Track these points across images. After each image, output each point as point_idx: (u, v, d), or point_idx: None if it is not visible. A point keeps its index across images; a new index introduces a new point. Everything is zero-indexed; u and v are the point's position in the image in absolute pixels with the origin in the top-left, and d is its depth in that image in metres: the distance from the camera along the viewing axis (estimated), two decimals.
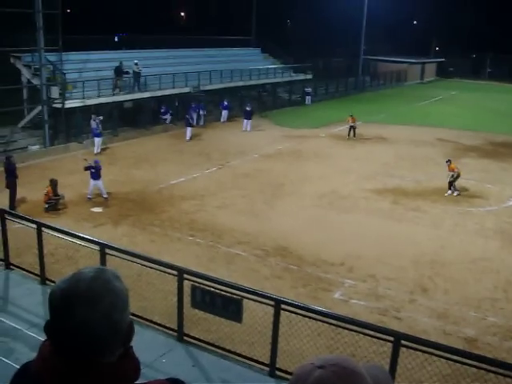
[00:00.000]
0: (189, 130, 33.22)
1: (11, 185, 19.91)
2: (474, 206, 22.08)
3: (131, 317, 1.90)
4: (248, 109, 37.33)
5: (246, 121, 37.02)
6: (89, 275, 1.80)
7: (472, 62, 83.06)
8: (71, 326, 1.72)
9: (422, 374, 8.30)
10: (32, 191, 21.16)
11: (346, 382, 1.46)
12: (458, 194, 22.96)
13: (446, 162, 23.73)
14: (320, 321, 8.61)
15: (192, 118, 34.95)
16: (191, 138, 33.15)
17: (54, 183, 20.10)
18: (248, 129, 36.76)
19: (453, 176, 23.04)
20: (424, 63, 79.47)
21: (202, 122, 37.53)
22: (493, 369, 7.37)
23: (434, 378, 8.72)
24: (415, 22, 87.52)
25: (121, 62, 33.66)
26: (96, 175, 21.05)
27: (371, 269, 15.76)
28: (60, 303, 1.74)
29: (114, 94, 32.94)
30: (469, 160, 29.62)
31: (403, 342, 7.75)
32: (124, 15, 59.30)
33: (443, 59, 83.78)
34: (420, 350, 7.69)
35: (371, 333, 8.17)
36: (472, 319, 13.22)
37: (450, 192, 22.97)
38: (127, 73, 33.84)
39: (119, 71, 33.67)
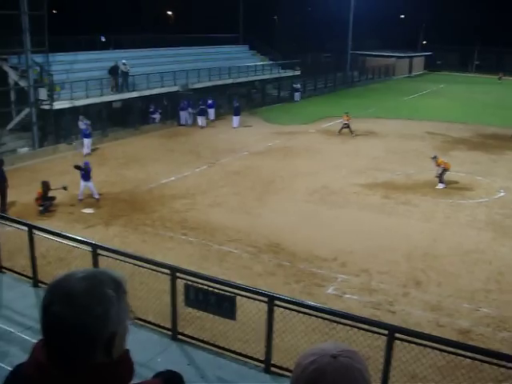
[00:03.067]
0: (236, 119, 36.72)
1: (1, 188, 19.80)
2: (465, 198, 22.16)
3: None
4: (236, 105, 37.46)
5: (235, 117, 37.12)
6: (79, 275, 1.80)
7: (459, 54, 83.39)
8: (47, 320, 1.75)
9: (417, 367, 8.31)
10: (22, 194, 21.06)
11: (362, 363, 1.59)
12: (445, 187, 23.02)
13: (432, 158, 23.77)
14: (314, 316, 8.62)
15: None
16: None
17: (45, 185, 20.01)
18: (237, 125, 36.91)
19: (441, 171, 23.13)
20: (412, 57, 79.74)
21: (190, 121, 37.43)
22: (487, 359, 7.40)
23: (428, 370, 8.76)
24: (402, 16, 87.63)
25: (116, 62, 33.61)
26: (86, 176, 20.97)
27: (364, 263, 15.80)
28: (45, 297, 1.78)
29: (108, 94, 32.94)
30: (458, 152, 29.75)
31: (397, 335, 7.76)
32: (110, 15, 58.99)
33: (431, 53, 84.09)
34: (414, 343, 7.71)
35: (365, 327, 8.17)
36: (465, 311, 13.28)
37: (440, 185, 23.05)
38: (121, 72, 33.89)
39: (115, 71, 33.61)
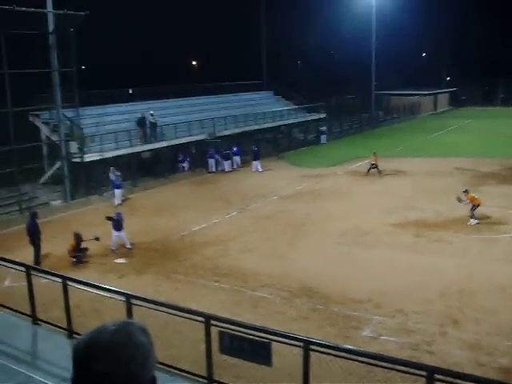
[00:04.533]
0: (256, 163, 37.64)
1: (35, 241, 20.11)
2: (498, 232, 21.84)
3: (159, 366, 1.92)
4: (255, 149, 38.10)
5: (255, 162, 37.84)
6: (111, 328, 1.83)
7: (484, 89, 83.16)
8: (89, 377, 1.74)
9: None
10: (55, 246, 21.34)
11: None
12: (477, 223, 22.74)
13: (463, 192, 23.53)
14: (350, 359, 8.51)
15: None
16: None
17: (78, 237, 20.27)
18: (259, 169, 37.54)
19: (471, 207, 22.89)
20: (436, 94, 79.79)
21: (218, 168, 37.89)
22: None
23: None
24: (424, 54, 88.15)
25: (143, 113, 34.30)
26: (118, 226, 21.21)
27: (399, 303, 15.57)
28: (81, 354, 1.77)
29: (137, 145, 33.57)
30: (488, 187, 29.43)
31: (436, 375, 7.62)
32: (137, 68, 60.48)
33: (455, 89, 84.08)
34: (454, 383, 7.55)
35: (403, 368, 8.04)
36: (505, 348, 12.95)
37: (472, 221, 22.77)
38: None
39: (142, 122, 34.28)
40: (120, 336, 1.80)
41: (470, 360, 12.39)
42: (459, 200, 23.20)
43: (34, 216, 20.87)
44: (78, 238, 20.23)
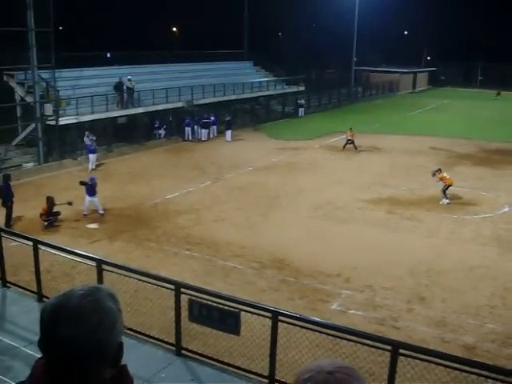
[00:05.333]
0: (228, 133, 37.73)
1: (7, 203, 19.89)
2: (470, 213, 22.14)
3: (128, 332, 1.91)
4: (227, 119, 38.17)
5: (227, 131, 38.02)
6: (80, 292, 1.81)
7: (463, 70, 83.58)
8: (56, 340, 1.73)
9: (421, 383, 8.28)
10: (27, 209, 21.14)
11: (360, 380, 1.59)
12: (449, 203, 23.02)
13: (436, 170, 23.78)
14: (318, 331, 8.61)
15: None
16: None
17: (50, 201, 20.09)
18: (229, 139, 37.85)
19: (443, 186, 23.15)
20: (416, 72, 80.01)
21: (195, 137, 37.71)
22: (493, 375, 7.37)
23: None
24: (406, 33, 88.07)
25: (120, 78, 33.85)
26: (92, 191, 21.04)
27: (368, 279, 15.76)
28: (48, 318, 1.76)
29: (114, 110, 33.18)
30: (463, 168, 29.76)
31: (401, 350, 7.75)
32: (116, 32, 59.51)
33: (435, 68, 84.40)
34: (418, 358, 7.68)
35: (369, 342, 8.16)
36: (470, 327, 13.22)
37: (444, 201, 23.04)
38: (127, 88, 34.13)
39: (120, 87, 33.84)
40: (88, 301, 1.78)
41: (435, 337, 12.63)
42: (433, 174, 23.48)
43: (7, 178, 20.62)
44: (51, 202, 20.06)
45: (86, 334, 1.73)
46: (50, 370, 1.76)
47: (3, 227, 16.05)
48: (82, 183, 21.28)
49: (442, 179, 23.25)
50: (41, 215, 19.91)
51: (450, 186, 23.16)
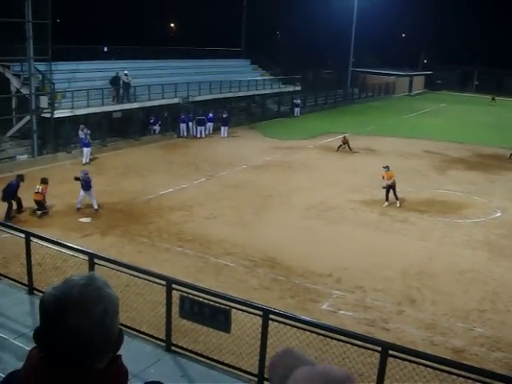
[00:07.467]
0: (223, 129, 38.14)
1: (9, 200, 19.81)
2: (462, 217, 22.20)
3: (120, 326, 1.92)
4: (224, 116, 38.32)
5: (223, 127, 38.27)
6: (81, 282, 1.82)
7: (460, 74, 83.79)
8: (64, 332, 1.73)
9: None
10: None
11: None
12: (387, 206, 22.93)
13: (384, 167, 23.44)
14: (308, 331, 8.62)
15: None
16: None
17: (45, 182, 20.20)
18: (225, 135, 38.11)
19: (385, 184, 22.97)
20: (412, 76, 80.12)
21: (190, 133, 37.67)
22: (481, 379, 7.40)
23: None
24: (403, 35, 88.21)
25: (117, 73, 33.78)
26: (87, 186, 20.95)
27: (359, 280, 15.80)
28: (53, 309, 1.75)
29: (109, 104, 33.12)
30: (456, 172, 29.84)
31: (391, 352, 7.77)
32: (114, 26, 59.33)
33: (431, 72, 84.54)
34: (407, 360, 7.70)
35: (359, 343, 8.17)
36: (459, 330, 13.28)
37: (386, 203, 22.98)
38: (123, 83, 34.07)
39: (116, 82, 33.77)
40: (91, 289, 1.80)
41: (424, 339, 12.67)
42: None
43: (19, 178, 20.45)
44: (46, 183, 20.18)
45: (94, 322, 1.75)
46: (50, 360, 1.76)
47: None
48: (76, 179, 21.22)
49: (385, 177, 23.04)
50: (38, 202, 19.89)
51: (391, 187, 22.96)
